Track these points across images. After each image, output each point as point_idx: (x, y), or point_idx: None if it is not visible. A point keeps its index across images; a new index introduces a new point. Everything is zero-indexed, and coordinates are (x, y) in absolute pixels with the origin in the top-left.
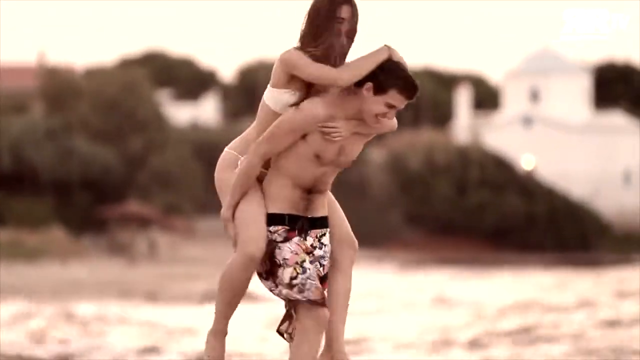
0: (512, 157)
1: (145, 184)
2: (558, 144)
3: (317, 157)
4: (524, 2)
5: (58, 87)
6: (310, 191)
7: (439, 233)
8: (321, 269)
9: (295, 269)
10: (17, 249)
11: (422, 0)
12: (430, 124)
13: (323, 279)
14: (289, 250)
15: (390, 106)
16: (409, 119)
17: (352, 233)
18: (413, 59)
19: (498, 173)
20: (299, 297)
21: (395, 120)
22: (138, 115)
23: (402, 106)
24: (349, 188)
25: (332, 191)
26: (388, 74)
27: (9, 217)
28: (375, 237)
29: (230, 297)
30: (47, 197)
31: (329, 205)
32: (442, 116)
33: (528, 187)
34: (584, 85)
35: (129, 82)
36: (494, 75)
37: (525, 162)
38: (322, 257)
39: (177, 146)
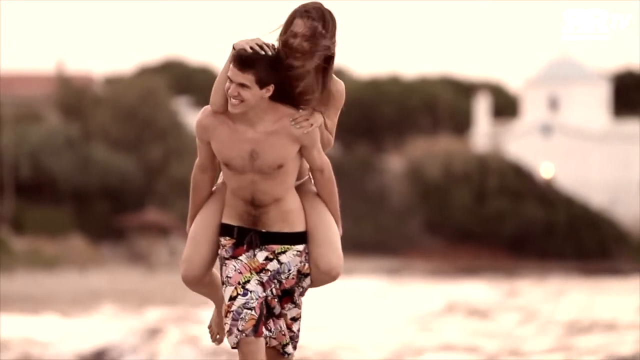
0: (531, 165)
1: (164, 192)
2: (577, 152)
3: (227, 165)
4: (543, 9)
5: (76, 96)
6: (254, 203)
7: (458, 241)
8: (278, 285)
9: (236, 288)
10: (36, 258)
11: (440, 8)
12: (448, 132)
13: (283, 294)
14: (233, 268)
15: (230, 80)
16: (428, 126)
17: (332, 258)
18: (431, 67)
19: (517, 181)
20: (228, 339)
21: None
22: (157, 123)
23: (241, 80)
24: (368, 197)
25: (351, 200)
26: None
27: (28, 226)
28: (394, 245)
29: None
30: (66, 206)
31: (314, 221)
32: (461, 124)
33: (547, 195)
34: (603, 93)
35: (147, 90)
36: (513, 83)
37: (545, 170)
38: (279, 272)
39: (196, 154)
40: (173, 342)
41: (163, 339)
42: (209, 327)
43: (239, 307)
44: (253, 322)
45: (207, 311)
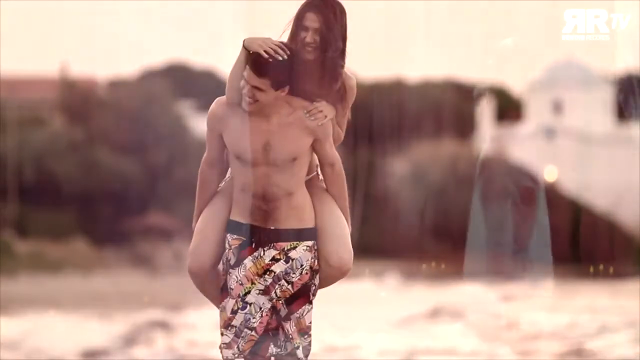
0: (534, 168)
1: (168, 196)
2: (581, 156)
3: (238, 157)
4: (548, 11)
5: (80, 99)
6: (265, 198)
7: (462, 245)
8: (289, 286)
9: (237, 302)
10: (39, 261)
11: (445, 12)
12: (452, 136)
13: (293, 298)
14: (235, 279)
15: (249, 84)
16: (431, 130)
17: (344, 254)
18: (435, 70)
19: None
20: (224, 350)
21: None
22: (160, 127)
23: (256, 83)
24: (371, 200)
25: (354, 204)
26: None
27: (31, 229)
28: (398, 249)
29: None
30: (69, 209)
31: (324, 216)
32: (465, 128)
33: (551, 198)
34: (607, 97)
35: (151, 93)
36: (516, 87)
37: (548, 174)
38: (287, 272)
39: (200, 158)
40: (167, 345)
41: (158, 342)
42: (220, 347)
43: (241, 323)
44: (252, 343)
45: (204, 314)
